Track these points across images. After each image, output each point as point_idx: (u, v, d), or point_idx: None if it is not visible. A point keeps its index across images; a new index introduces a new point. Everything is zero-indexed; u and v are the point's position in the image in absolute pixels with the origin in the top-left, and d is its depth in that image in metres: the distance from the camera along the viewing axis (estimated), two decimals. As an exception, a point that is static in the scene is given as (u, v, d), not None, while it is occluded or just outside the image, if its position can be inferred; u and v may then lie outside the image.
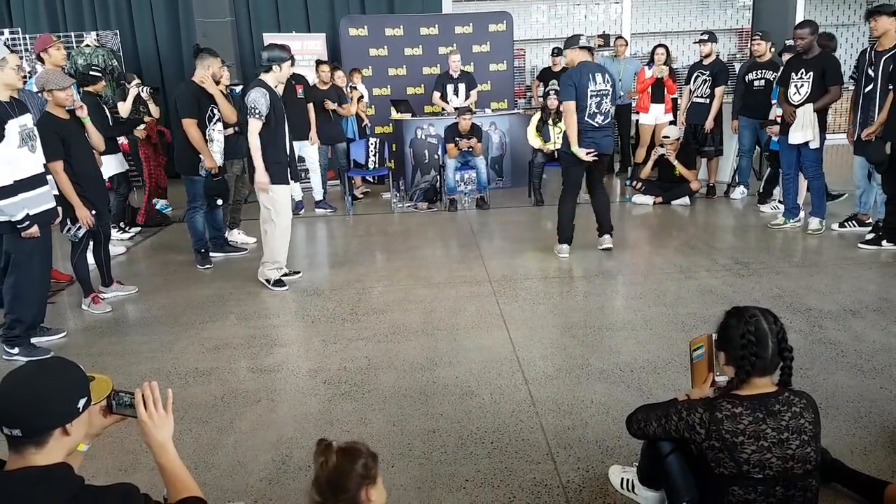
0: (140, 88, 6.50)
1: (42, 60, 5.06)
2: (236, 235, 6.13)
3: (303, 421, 2.90)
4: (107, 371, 3.47)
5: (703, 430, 1.79)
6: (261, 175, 4.46)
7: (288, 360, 3.54)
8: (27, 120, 3.55)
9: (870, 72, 5.03)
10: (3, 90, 3.46)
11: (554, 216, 5.28)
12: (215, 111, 5.18)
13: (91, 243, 4.49)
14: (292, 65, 4.69)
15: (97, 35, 8.86)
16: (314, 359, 3.55)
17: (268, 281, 4.73)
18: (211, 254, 5.47)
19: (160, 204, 7.20)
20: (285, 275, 4.84)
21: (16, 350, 3.69)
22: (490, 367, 3.32)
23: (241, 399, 3.13)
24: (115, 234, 6.07)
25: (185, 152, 5.07)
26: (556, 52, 8.84)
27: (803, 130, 5.29)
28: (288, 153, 4.67)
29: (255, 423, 2.90)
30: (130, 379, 3.39)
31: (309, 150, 7.13)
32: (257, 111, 4.36)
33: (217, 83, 5.22)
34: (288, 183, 4.64)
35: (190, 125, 4.97)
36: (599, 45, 8.80)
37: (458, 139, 7.02)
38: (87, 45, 8.39)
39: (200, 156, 5.03)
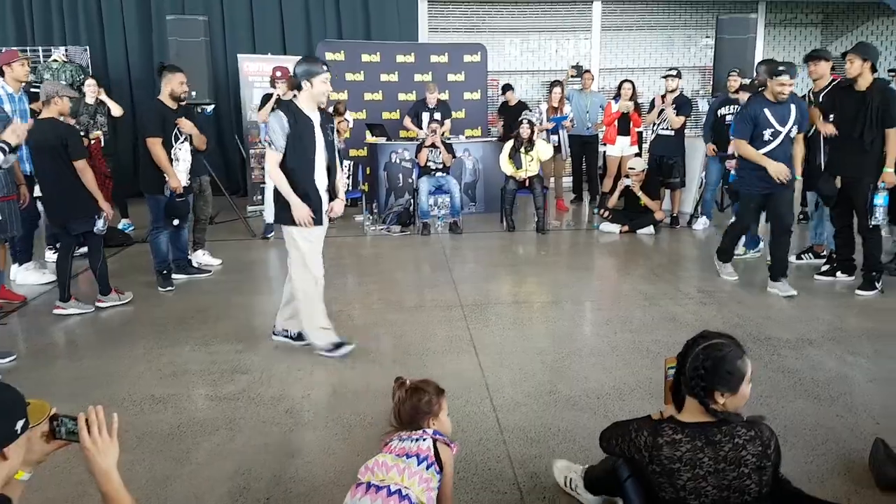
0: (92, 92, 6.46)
1: (2, 74, 4.98)
2: (201, 257, 5.98)
3: (262, 451, 2.82)
4: (58, 398, 3.36)
5: (647, 453, 1.83)
6: (297, 209, 3.58)
7: (249, 388, 3.45)
8: None
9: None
10: None
11: (526, 241, 5.29)
12: (181, 130, 5.10)
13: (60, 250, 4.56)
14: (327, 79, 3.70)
15: (66, 51, 8.74)
16: (277, 386, 3.46)
17: (324, 350, 3.78)
18: (174, 275, 5.35)
19: (122, 223, 7.09)
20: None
21: None
22: (459, 394, 3.29)
23: (199, 428, 3.03)
24: (49, 254, 5.93)
25: (149, 171, 4.98)
26: (507, 88, 9.09)
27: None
28: (321, 187, 3.72)
29: (213, 454, 2.81)
30: (83, 406, 3.24)
31: None
32: (270, 142, 3.58)
33: (179, 100, 5.08)
34: (320, 224, 3.71)
35: (154, 144, 4.89)
36: (573, 76, 8.94)
37: (424, 147, 7.21)
38: (55, 61, 8.26)
39: (165, 175, 4.94)
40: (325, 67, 3.65)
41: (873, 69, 4.67)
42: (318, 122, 3.68)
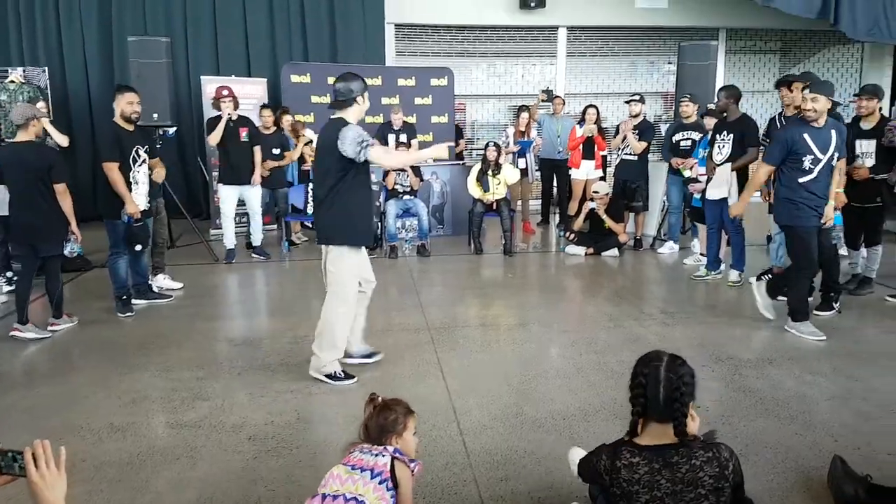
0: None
1: None
2: (161, 281, 5.85)
3: (224, 480, 2.75)
4: (15, 426, 3.25)
5: (607, 477, 1.86)
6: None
7: (210, 415, 3.37)
8: None
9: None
10: None
11: (493, 264, 5.30)
12: (140, 152, 5.01)
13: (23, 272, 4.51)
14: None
15: (24, 71, 8.56)
16: (239, 413, 3.39)
17: (328, 376, 3.71)
18: (133, 301, 5.23)
19: (75, 248, 6.87)
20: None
21: None
22: (426, 418, 3.25)
23: (159, 456, 2.95)
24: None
25: (107, 195, 4.88)
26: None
27: (720, 188, 5.59)
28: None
29: (173, 483, 2.73)
30: (39, 435, 3.08)
31: (251, 194, 7.00)
32: (367, 142, 3.58)
33: (131, 121, 4.96)
34: (363, 245, 3.86)
35: (111, 169, 4.79)
36: (543, 100, 9.07)
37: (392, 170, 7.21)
38: (12, 82, 8.08)
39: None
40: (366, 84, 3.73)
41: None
42: None
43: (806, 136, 4.22)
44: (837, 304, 4.97)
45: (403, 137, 7.98)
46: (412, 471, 2.12)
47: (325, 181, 3.67)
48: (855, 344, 4.32)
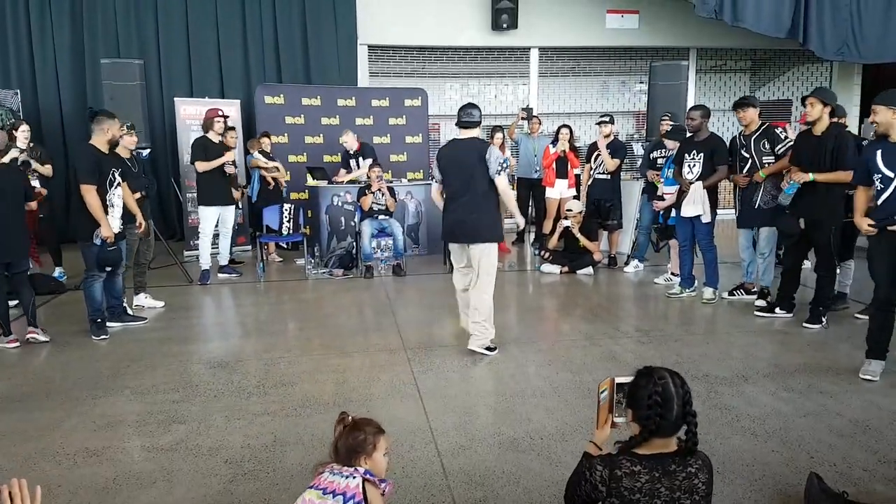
0: (22, 153, 6.17)
1: None
2: (143, 300, 5.89)
3: (202, 503, 2.73)
4: (-17, 454, 3.18)
5: (605, 487, 1.85)
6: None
7: (187, 438, 3.34)
8: None
9: (744, 153, 5.55)
10: None
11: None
12: (116, 175, 5.01)
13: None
14: None
15: (-5, 93, 8.48)
16: (215, 436, 3.36)
17: (487, 349, 4.50)
18: (108, 323, 5.17)
19: (57, 272, 6.85)
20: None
21: None
22: (403, 439, 3.26)
23: (135, 481, 2.91)
24: None
25: (81, 218, 4.84)
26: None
27: (694, 205, 5.71)
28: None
29: (149, 508, 2.70)
30: (13, 461, 3.10)
31: (228, 214, 7.01)
32: (504, 166, 4.43)
33: (116, 146, 5.05)
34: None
35: (88, 192, 4.77)
36: (523, 118, 9.16)
37: (368, 192, 7.25)
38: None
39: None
40: None
41: (832, 114, 4.91)
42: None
43: (878, 153, 3.90)
44: (825, 318, 5.05)
45: (361, 161, 8.03)
46: (383, 491, 2.11)
47: (471, 188, 4.40)
48: (829, 360, 4.40)
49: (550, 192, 7.98)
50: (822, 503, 2.55)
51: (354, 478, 2.05)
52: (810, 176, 4.82)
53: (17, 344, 4.81)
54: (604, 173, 7.37)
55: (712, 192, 5.74)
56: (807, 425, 3.40)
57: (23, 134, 6.45)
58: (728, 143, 5.81)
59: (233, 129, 7.64)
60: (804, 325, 5.06)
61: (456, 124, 4.58)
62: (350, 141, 8.11)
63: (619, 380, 2.04)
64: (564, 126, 7.85)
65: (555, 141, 7.87)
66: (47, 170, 6.56)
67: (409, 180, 8.78)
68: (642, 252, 7.34)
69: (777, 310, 5.36)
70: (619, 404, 2.03)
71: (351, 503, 2.00)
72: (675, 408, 1.86)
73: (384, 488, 2.12)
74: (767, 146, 5.40)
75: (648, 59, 10.73)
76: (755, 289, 5.87)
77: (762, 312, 5.43)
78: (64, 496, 2.78)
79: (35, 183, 6.37)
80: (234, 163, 6.90)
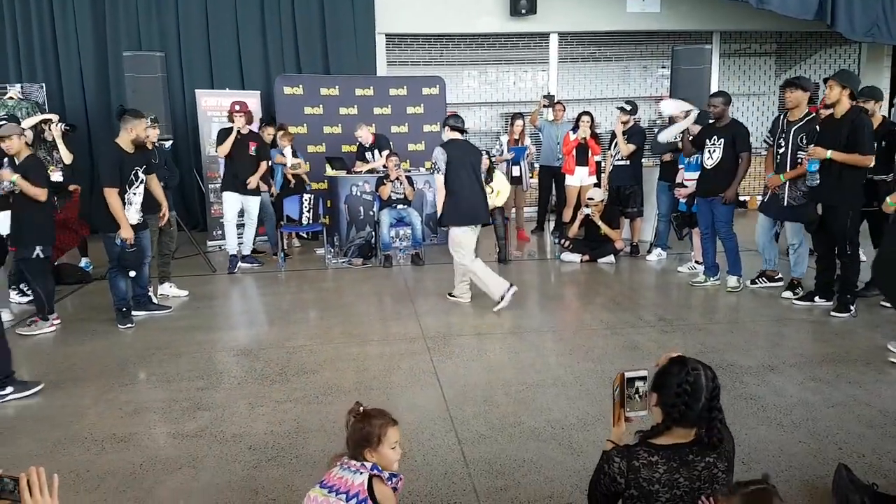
0: (49, 126, 6.37)
1: None
2: (167, 289, 5.99)
3: (226, 489, 2.77)
4: (19, 436, 3.27)
5: (623, 479, 1.84)
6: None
7: (211, 425, 3.39)
8: None
9: (781, 140, 5.38)
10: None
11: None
12: (139, 173, 5.07)
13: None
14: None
15: (22, 87, 8.59)
16: (239, 423, 3.41)
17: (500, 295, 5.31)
18: (133, 312, 5.25)
19: (83, 262, 6.97)
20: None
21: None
22: (423, 428, 3.28)
23: (161, 466, 2.97)
24: (13, 296, 5.80)
25: (102, 210, 4.91)
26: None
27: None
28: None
29: (176, 493, 2.75)
30: (43, 446, 3.18)
31: (252, 204, 7.08)
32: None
33: (142, 146, 5.10)
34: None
35: (110, 195, 4.85)
36: (545, 105, 9.07)
37: (387, 181, 7.28)
38: (11, 98, 8.10)
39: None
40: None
41: (853, 97, 4.79)
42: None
43: None
44: (854, 306, 4.96)
45: (377, 153, 8.04)
46: (394, 486, 2.02)
47: (476, 180, 5.56)
48: (858, 349, 4.31)
49: (570, 180, 7.91)
50: (851, 495, 2.49)
51: (361, 474, 1.98)
52: (828, 153, 4.74)
53: (58, 323, 5.06)
54: (622, 160, 7.28)
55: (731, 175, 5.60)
56: (835, 416, 3.35)
57: (51, 125, 6.56)
58: (771, 122, 5.66)
59: (270, 124, 7.68)
60: (832, 313, 4.97)
61: (451, 129, 5.51)
62: (364, 135, 8.12)
63: (628, 374, 2.02)
64: (585, 113, 7.76)
65: (575, 128, 7.79)
66: (67, 156, 6.62)
67: (427, 169, 8.75)
68: (664, 240, 7.25)
69: (816, 298, 5.25)
70: (630, 399, 2.01)
71: (354, 501, 1.92)
72: (702, 400, 1.84)
73: (395, 483, 2.04)
74: (805, 141, 5.19)
75: (671, 44, 10.55)
76: (777, 276, 5.79)
77: (801, 301, 5.32)
78: (92, 481, 2.84)
79: (57, 176, 6.48)
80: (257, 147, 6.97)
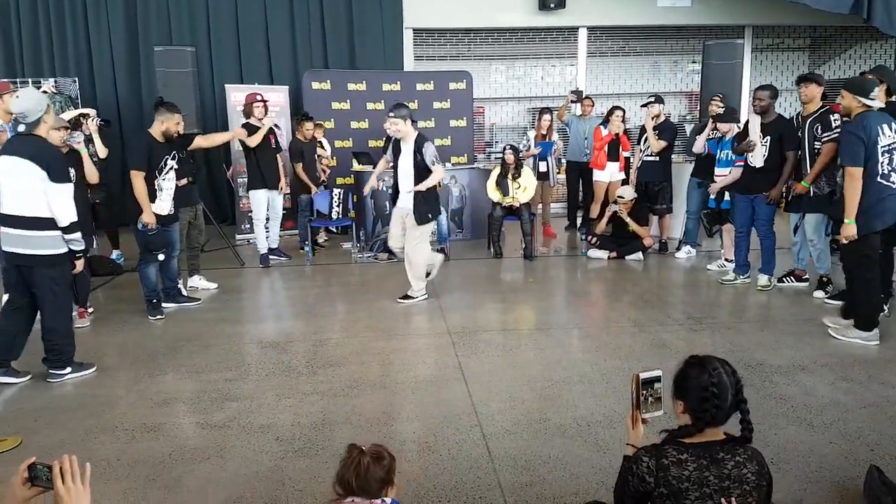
0: (88, 120, 6.51)
1: None
2: (197, 282, 6.07)
3: (253, 479, 2.80)
4: (51, 425, 3.35)
5: (653, 478, 1.81)
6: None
7: (239, 416, 3.43)
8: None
9: (798, 134, 5.31)
10: (48, 135, 3.80)
11: (513, 268, 5.32)
12: (169, 161, 5.13)
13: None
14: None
15: (55, 82, 8.76)
16: (266, 414, 3.45)
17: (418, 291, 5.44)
18: (163, 304, 5.34)
19: (114, 254, 7.10)
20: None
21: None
22: (448, 422, 3.28)
23: (190, 456, 3.01)
24: None
25: (132, 202, 5.00)
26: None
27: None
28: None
29: (204, 482, 2.79)
30: (75, 435, 3.25)
31: (278, 199, 7.15)
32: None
33: (170, 138, 5.16)
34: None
35: (136, 177, 4.93)
36: (572, 101, 8.99)
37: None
38: (45, 92, 8.27)
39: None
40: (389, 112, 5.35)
41: (889, 93, 4.67)
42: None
43: None
44: (887, 306, 4.83)
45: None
46: None
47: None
48: (891, 350, 4.22)
49: (600, 176, 7.80)
50: (882, 497, 2.45)
51: None
52: None
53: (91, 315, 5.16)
54: (651, 155, 7.18)
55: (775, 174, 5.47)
56: (867, 416, 3.28)
57: (88, 119, 6.71)
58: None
59: (309, 118, 7.71)
60: (825, 300, 4.84)
61: (413, 122, 5.51)
62: (390, 128, 8.10)
63: (643, 375, 1.99)
64: (617, 107, 7.67)
65: (605, 122, 7.70)
66: (103, 150, 6.75)
67: (452, 164, 8.76)
68: (693, 237, 7.14)
69: None
70: (645, 401, 1.99)
71: None
72: (729, 398, 1.83)
73: None
74: (819, 131, 5.12)
75: (702, 38, 10.38)
76: (805, 276, 5.67)
77: (832, 300, 5.19)
78: (123, 469, 2.90)
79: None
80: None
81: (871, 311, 4.33)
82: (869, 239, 4.17)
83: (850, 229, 4.09)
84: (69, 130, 4.94)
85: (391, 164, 5.71)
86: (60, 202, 3.70)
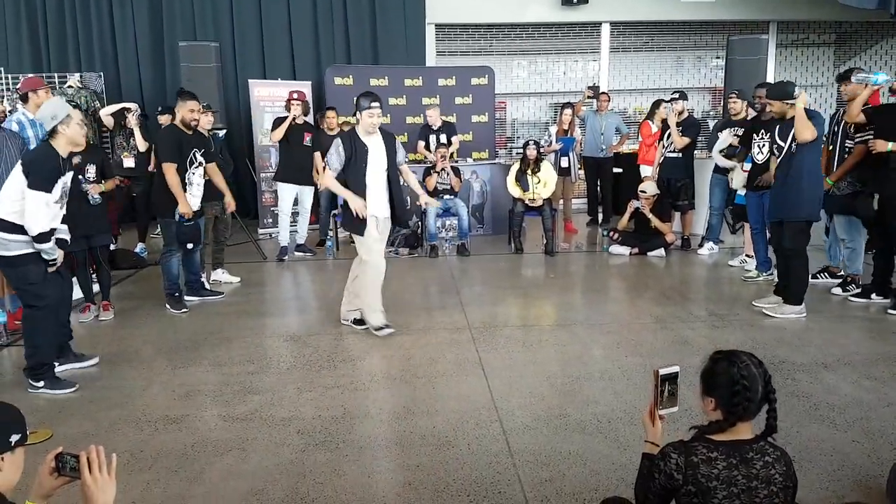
0: (130, 115, 6.76)
1: (25, 100, 5.05)
2: (220, 275, 6.14)
3: (275, 472, 2.83)
4: (76, 416, 3.41)
5: (681, 475, 1.79)
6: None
7: (261, 409, 3.47)
8: (69, 178, 3.72)
9: (834, 128, 5.26)
10: (66, 146, 3.63)
11: (534, 263, 5.30)
12: (197, 156, 5.19)
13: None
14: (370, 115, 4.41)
15: (81, 77, 8.90)
16: (288, 407, 3.48)
17: (375, 328, 4.56)
18: (186, 298, 5.41)
19: (138, 248, 7.21)
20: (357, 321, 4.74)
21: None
22: (468, 417, 3.29)
23: (212, 448, 3.06)
24: None
25: (162, 196, 5.07)
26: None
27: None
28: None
29: (226, 474, 2.83)
30: (99, 426, 3.30)
31: (306, 194, 7.21)
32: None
33: (189, 127, 5.17)
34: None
35: (168, 169, 4.99)
36: (589, 97, 8.90)
37: (433, 172, 7.30)
38: (70, 87, 8.42)
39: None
40: (371, 102, 4.41)
41: None
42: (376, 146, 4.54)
43: None
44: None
45: (444, 137, 8.01)
46: None
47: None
48: (914, 348, 4.16)
49: (648, 172, 7.71)
50: (906, 497, 2.42)
51: None
52: (889, 146, 4.60)
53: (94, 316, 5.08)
54: (674, 151, 7.11)
55: None
56: (890, 415, 3.25)
57: (131, 114, 6.89)
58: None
59: (332, 108, 7.73)
60: (888, 311, 4.79)
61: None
62: (433, 116, 8.12)
63: (662, 371, 1.97)
64: (661, 100, 7.55)
65: (650, 117, 7.57)
66: (143, 143, 6.92)
67: (474, 160, 8.74)
68: (716, 234, 7.06)
69: (873, 295, 5.07)
70: (662, 397, 1.97)
71: None
72: (760, 388, 1.81)
73: None
74: (853, 130, 5.05)
75: (726, 33, 10.25)
76: (840, 272, 5.58)
77: (857, 298, 5.15)
78: (146, 460, 2.95)
79: (129, 162, 6.88)
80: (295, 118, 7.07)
81: (804, 288, 4.82)
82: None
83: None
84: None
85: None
86: (30, 209, 3.45)
